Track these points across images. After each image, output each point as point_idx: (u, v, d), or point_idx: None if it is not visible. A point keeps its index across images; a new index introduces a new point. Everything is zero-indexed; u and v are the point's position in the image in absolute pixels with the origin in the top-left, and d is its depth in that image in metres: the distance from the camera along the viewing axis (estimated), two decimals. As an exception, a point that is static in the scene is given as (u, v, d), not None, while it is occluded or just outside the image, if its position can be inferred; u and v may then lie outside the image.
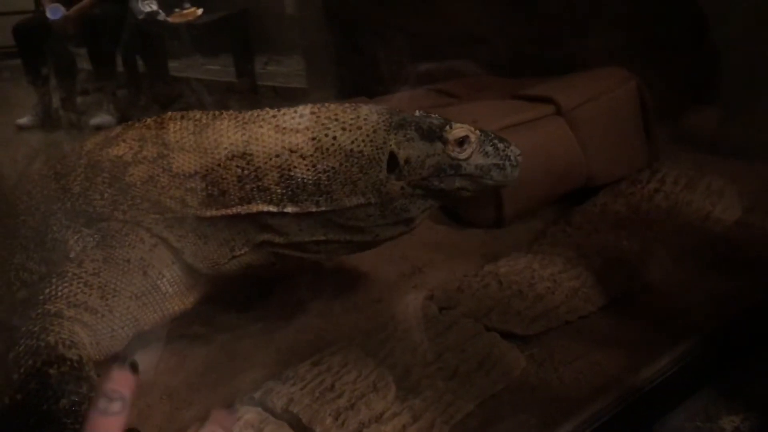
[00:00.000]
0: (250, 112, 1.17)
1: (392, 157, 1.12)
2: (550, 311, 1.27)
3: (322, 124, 1.12)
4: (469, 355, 1.14)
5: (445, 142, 1.15)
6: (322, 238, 1.16)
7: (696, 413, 1.11)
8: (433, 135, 1.15)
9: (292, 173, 1.10)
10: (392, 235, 1.20)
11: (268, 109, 1.18)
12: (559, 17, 2.23)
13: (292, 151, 1.11)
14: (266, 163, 1.11)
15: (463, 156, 1.16)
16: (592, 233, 1.58)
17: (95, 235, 1.11)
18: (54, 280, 1.06)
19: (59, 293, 1.04)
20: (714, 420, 1.09)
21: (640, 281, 1.40)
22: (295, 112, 1.15)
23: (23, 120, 3.01)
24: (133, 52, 3.15)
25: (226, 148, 1.12)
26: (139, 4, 3.09)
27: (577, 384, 1.12)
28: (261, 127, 1.13)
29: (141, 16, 3.08)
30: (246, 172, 1.11)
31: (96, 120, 2.93)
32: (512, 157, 1.21)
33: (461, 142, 1.16)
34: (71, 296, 1.04)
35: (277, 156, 1.11)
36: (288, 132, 1.12)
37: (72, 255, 1.09)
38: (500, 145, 1.21)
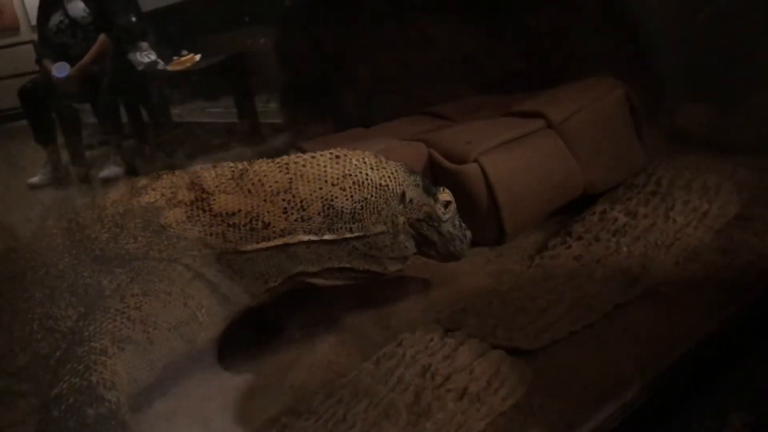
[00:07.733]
0: (282, 157, 1.31)
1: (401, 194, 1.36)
2: (553, 324, 1.29)
3: (354, 165, 1.31)
4: (478, 375, 1.16)
5: (436, 200, 1.44)
6: (346, 265, 1.33)
7: (705, 412, 1.12)
8: (429, 190, 1.44)
9: (333, 203, 1.27)
10: (394, 270, 1.42)
11: (299, 154, 1.33)
12: (542, 31, 2.26)
13: (333, 185, 1.28)
14: (311, 195, 1.27)
15: (444, 217, 1.45)
16: (593, 242, 1.59)
17: (130, 273, 1.15)
18: (98, 317, 1.09)
19: (104, 329, 1.07)
20: (723, 417, 1.10)
21: (642, 286, 1.40)
22: (331, 154, 1.32)
23: (35, 179, 3.07)
24: (135, 103, 3.21)
25: (271, 186, 1.25)
26: (138, 56, 3.15)
27: (586, 393, 1.13)
28: (303, 166, 1.29)
29: (140, 68, 3.14)
30: (292, 204, 1.25)
31: (104, 172, 2.98)
32: (467, 237, 1.52)
33: (446, 204, 1.46)
34: (116, 331, 1.07)
35: (321, 188, 1.27)
36: (327, 169, 1.29)
37: (107, 293, 1.13)
38: (463, 224, 1.52)
